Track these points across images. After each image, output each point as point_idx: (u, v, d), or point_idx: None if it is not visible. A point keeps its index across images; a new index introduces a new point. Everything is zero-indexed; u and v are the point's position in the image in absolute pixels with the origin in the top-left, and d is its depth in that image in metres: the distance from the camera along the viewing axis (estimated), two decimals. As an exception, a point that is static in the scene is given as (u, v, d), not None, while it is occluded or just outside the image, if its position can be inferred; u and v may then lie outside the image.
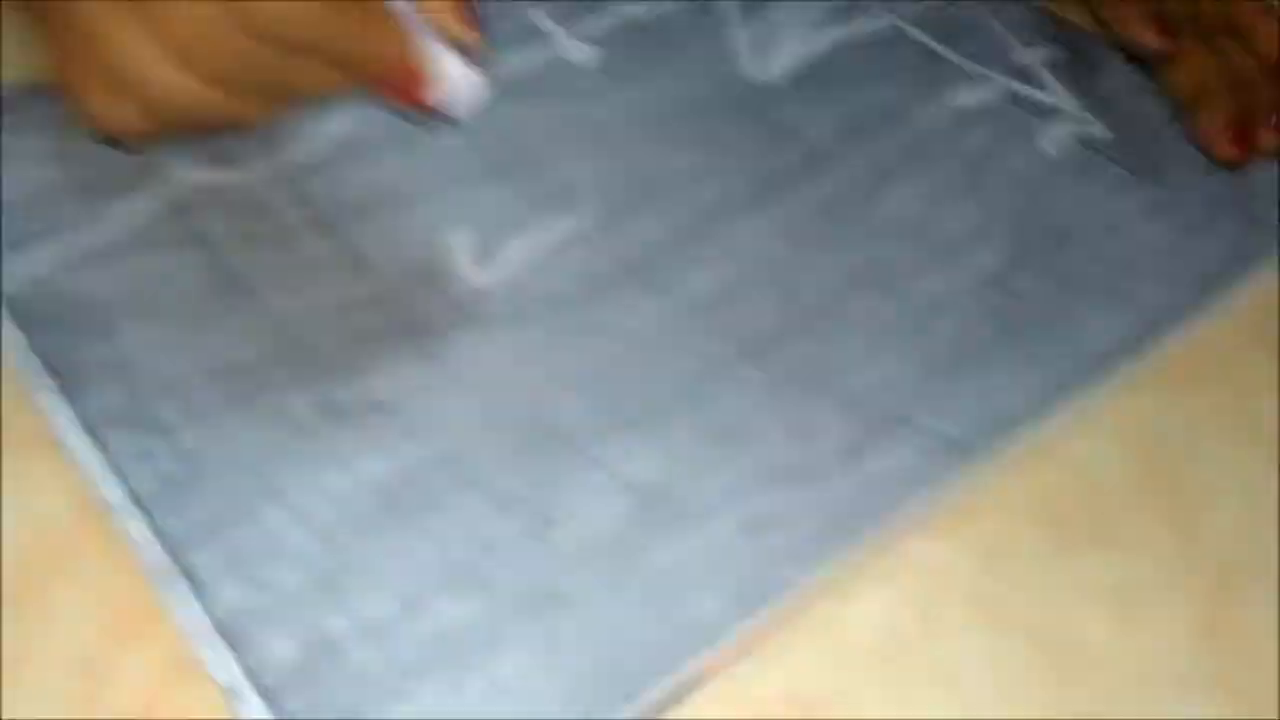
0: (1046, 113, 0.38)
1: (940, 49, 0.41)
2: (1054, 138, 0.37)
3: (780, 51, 0.40)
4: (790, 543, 0.26)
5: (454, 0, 0.28)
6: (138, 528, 0.25)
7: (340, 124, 0.35)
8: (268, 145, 0.34)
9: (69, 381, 0.27)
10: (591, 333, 0.30)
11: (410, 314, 0.30)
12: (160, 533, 0.25)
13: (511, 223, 0.33)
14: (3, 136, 0.33)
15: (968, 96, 0.39)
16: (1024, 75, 0.40)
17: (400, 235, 0.32)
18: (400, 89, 0.27)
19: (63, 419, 0.27)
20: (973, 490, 0.28)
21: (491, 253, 0.32)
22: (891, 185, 0.35)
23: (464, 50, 0.29)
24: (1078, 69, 0.40)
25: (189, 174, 0.33)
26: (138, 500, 0.25)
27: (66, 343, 0.28)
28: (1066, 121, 0.38)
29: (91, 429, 0.26)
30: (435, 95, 0.28)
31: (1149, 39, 0.37)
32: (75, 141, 0.33)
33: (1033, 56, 0.40)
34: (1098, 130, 0.38)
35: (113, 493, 0.26)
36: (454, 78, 0.28)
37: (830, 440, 0.28)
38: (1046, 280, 0.32)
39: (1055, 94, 0.39)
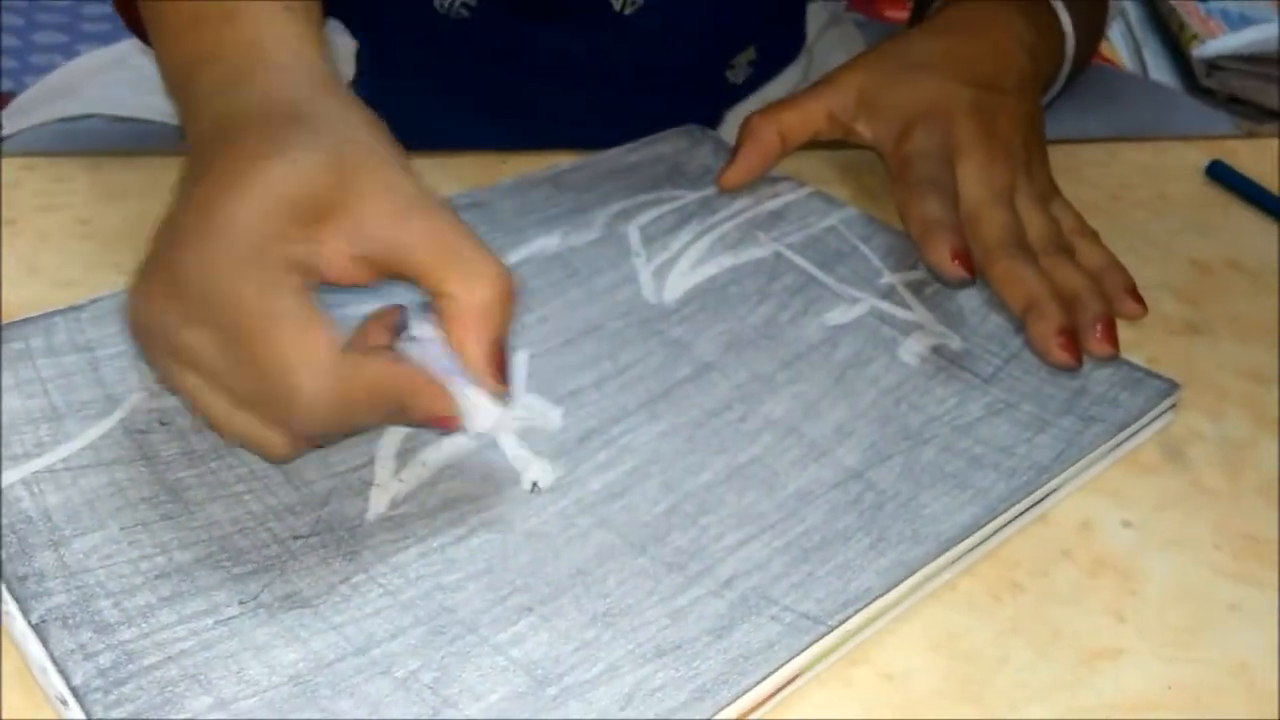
0: (907, 328, 0.43)
1: (817, 273, 0.46)
2: (913, 350, 0.42)
3: (675, 277, 0.45)
4: (661, 713, 0.29)
5: (487, 351, 0.34)
6: (77, 718, 0.28)
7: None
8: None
9: (19, 585, 0.31)
10: (492, 529, 0.34)
11: (331, 517, 0.34)
12: (95, 721, 0.28)
13: (429, 432, 0.37)
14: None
15: (839, 315, 0.44)
16: (889, 295, 0.45)
17: (329, 448, 0.36)
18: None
19: (13, 620, 0.30)
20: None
21: (409, 459, 0.36)
22: (769, 392, 0.40)
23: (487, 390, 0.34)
24: (935, 289, 0.46)
25: (144, 400, 0.37)
26: (76, 692, 0.28)
27: (17, 551, 0.31)
28: (925, 335, 0.43)
29: (37, 628, 0.29)
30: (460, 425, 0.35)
31: (947, 268, 0.43)
32: (52, 372, 0.37)
33: (897, 279, 0.46)
34: (952, 342, 0.43)
35: (53, 685, 0.28)
36: (476, 408, 0.34)
37: (704, 621, 0.31)
38: (901, 474, 0.37)
39: (915, 311, 0.44)
